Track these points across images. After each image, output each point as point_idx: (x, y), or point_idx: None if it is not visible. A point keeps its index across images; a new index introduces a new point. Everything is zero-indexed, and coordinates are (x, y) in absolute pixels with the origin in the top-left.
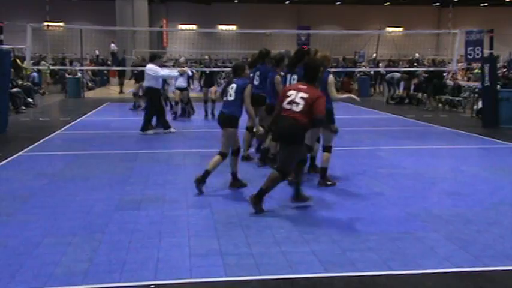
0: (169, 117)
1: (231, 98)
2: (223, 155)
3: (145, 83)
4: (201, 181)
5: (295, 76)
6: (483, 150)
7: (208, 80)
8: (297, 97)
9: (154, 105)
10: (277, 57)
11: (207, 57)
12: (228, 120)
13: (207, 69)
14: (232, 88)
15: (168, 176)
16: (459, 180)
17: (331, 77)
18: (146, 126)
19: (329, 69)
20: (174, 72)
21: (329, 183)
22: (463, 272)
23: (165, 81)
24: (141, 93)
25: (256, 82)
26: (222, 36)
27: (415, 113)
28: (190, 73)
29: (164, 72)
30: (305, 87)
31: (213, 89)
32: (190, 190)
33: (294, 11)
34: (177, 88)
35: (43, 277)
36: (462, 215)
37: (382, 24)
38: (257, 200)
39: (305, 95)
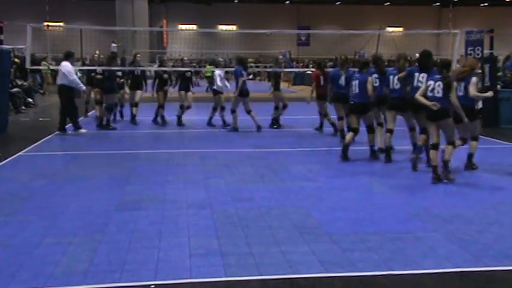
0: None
1: (439, 94)
2: (453, 144)
3: (59, 81)
4: (437, 180)
5: (423, 74)
6: (483, 150)
7: (278, 81)
8: None
9: (69, 103)
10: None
11: (281, 56)
12: (443, 112)
13: (282, 70)
14: (439, 85)
15: (168, 176)
16: (459, 180)
17: (474, 78)
18: (63, 125)
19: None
20: (81, 84)
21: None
22: (463, 272)
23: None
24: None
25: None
26: (222, 36)
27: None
28: (221, 74)
29: (75, 77)
30: None
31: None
32: (190, 190)
33: (294, 11)
34: (213, 91)
35: (43, 277)
36: (462, 215)
37: (382, 24)
38: None
39: None
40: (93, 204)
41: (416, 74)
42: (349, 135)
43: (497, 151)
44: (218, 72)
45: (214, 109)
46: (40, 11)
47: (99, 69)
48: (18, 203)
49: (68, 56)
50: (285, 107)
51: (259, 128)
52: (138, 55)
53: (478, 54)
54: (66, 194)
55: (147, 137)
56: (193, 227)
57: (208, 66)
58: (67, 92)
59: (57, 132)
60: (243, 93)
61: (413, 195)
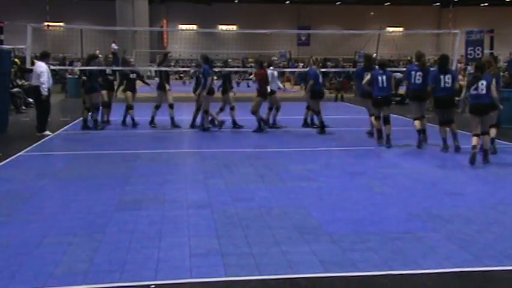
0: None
1: (483, 92)
2: (489, 134)
3: (34, 82)
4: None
5: (448, 75)
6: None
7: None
8: None
9: (43, 104)
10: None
11: (317, 57)
12: (488, 108)
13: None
14: (482, 84)
15: (168, 176)
16: (459, 180)
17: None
18: (43, 126)
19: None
20: (45, 90)
21: None
22: (463, 272)
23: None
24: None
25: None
26: (222, 36)
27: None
28: (275, 73)
29: (45, 80)
30: None
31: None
32: (190, 190)
33: (294, 11)
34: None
35: (43, 277)
36: (462, 215)
37: (382, 24)
38: None
39: None
40: (93, 204)
41: (442, 76)
42: (377, 122)
43: (497, 151)
44: (272, 71)
45: (270, 109)
46: (40, 11)
47: (108, 69)
48: (18, 203)
49: (44, 56)
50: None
51: (220, 124)
52: (170, 54)
53: (478, 54)
54: (66, 194)
55: (147, 137)
56: (193, 227)
57: None
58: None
59: (37, 133)
60: (210, 91)
61: (413, 195)
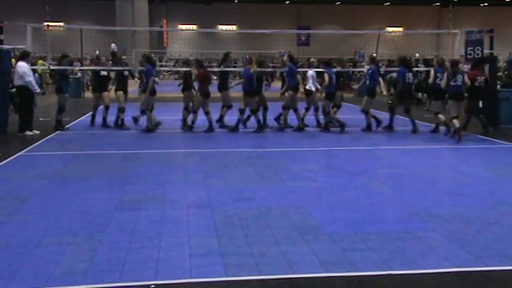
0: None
1: (460, 83)
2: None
3: (16, 82)
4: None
5: (411, 73)
6: (483, 150)
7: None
8: None
9: (27, 103)
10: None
11: (313, 59)
12: (464, 95)
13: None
14: (459, 77)
15: (168, 176)
16: (459, 180)
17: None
18: (26, 125)
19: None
20: (36, 87)
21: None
22: (463, 272)
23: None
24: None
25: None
26: (222, 36)
27: (415, 113)
28: (314, 74)
29: (31, 79)
30: None
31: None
32: (190, 190)
33: (294, 11)
34: (306, 91)
35: (43, 277)
36: (462, 215)
37: (382, 24)
38: None
39: None
40: (93, 204)
41: (407, 74)
42: (334, 110)
43: (497, 151)
44: (311, 72)
45: (307, 109)
46: (40, 11)
47: (105, 69)
48: (18, 203)
49: (24, 56)
50: (338, 107)
51: (147, 128)
52: (231, 54)
53: (478, 54)
54: (66, 194)
55: (147, 137)
56: (193, 227)
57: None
58: (26, 93)
59: (19, 133)
60: (152, 92)
61: (413, 195)
